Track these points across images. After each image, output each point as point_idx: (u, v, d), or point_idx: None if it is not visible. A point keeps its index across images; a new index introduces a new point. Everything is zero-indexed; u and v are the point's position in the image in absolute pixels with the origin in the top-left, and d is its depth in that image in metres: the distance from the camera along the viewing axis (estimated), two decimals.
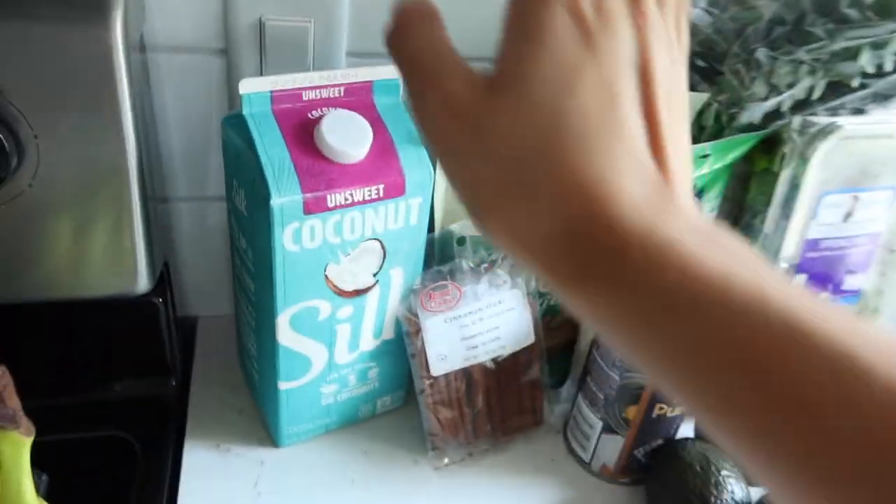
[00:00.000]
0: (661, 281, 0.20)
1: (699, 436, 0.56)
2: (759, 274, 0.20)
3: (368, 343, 0.52)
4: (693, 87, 0.56)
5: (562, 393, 0.63)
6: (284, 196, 0.42)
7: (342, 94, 0.47)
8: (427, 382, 0.54)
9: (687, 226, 0.21)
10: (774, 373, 0.19)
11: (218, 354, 0.62)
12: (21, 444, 0.34)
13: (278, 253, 0.44)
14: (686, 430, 0.56)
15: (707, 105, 0.55)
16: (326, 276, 0.46)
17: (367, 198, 0.45)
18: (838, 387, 0.18)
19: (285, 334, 0.48)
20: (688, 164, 0.23)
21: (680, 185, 0.22)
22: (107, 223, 0.46)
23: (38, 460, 0.45)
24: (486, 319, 0.54)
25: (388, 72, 0.47)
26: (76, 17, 0.41)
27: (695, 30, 0.55)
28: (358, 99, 0.47)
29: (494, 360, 0.55)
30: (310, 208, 0.43)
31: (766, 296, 0.19)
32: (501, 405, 0.57)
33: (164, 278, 0.53)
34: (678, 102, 0.23)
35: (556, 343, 0.61)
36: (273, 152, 0.43)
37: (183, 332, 0.62)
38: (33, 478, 0.44)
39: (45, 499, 0.44)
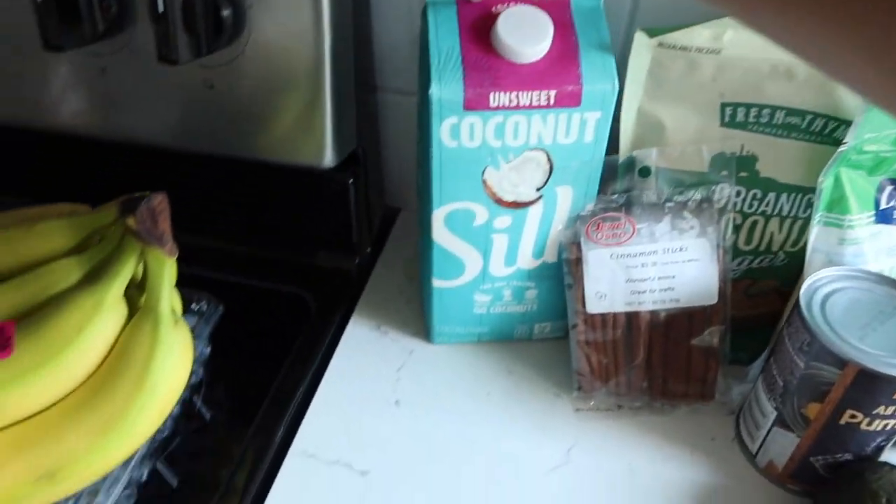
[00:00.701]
0: None
1: None
2: None
3: (527, 261, 0.50)
4: None
5: (749, 372, 0.55)
6: (445, 88, 0.41)
7: None
8: (581, 318, 0.51)
9: None
10: None
11: (408, 247, 0.64)
12: (163, 261, 0.40)
13: (436, 147, 0.43)
14: (887, 455, 0.45)
15: None
16: (484, 180, 0.45)
17: (534, 103, 0.42)
18: None
19: (440, 232, 0.48)
20: None
21: None
22: (302, 96, 0.49)
23: (220, 294, 0.52)
24: (660, 265, 0.49)
25: None
26: None
27: None
28: None
29: (664, 311, 0.50)
30: (470, 104, 0.41)
31: None
32: (664, 365, 0.51)
33: (358, 161, 0.56)
34: None
35: (755, 314, 0.53)
36: (444, 43, 0.42)
37: (383, 219, 0.66)
38: (209, 307, 0.51)
39: (216, 329, 0.51)
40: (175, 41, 0.44)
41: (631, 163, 0.48)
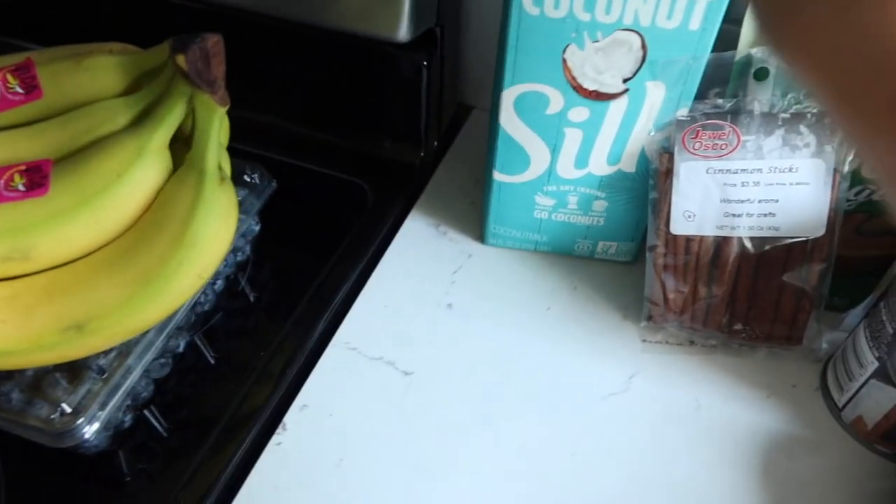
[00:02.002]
0: None
1: None
2: None
3: (600, 166, 0.45)
4: None
5: (846, 320, 0.49)
6: None
7: None
8: (662, 239, 0.45)
9: None
10: None
11: (478, 148, 0.59)
12: (213, 109, 0.36)
13: (514, 13, 0.38)
14: None
15: None
16: (565, 59, 0.39)
17: None
18: None
19: (508, 117, 0.43)
20: None
21: None
22: None
23: (275, 174, 0.49)
24: (764, 186, 0.42)
25: None
26: None
27: None
28: None
29: (758, 240, 0.44)
30: None
31: None
32: (750, 301, 0.46)
33: (435, 41, 0.51)
34: None
35: (863, 255, 0.46)
36: None
37: (455, 115, 0.62)
38: (262, 180, 0.48)
39: (267, 207, 0.48)
40: None
41: (747, 62, 0.41)
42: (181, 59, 0.35)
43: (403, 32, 0.47)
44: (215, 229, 0.37)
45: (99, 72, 0.38)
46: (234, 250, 0.49)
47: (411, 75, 0.51)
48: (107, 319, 0.37)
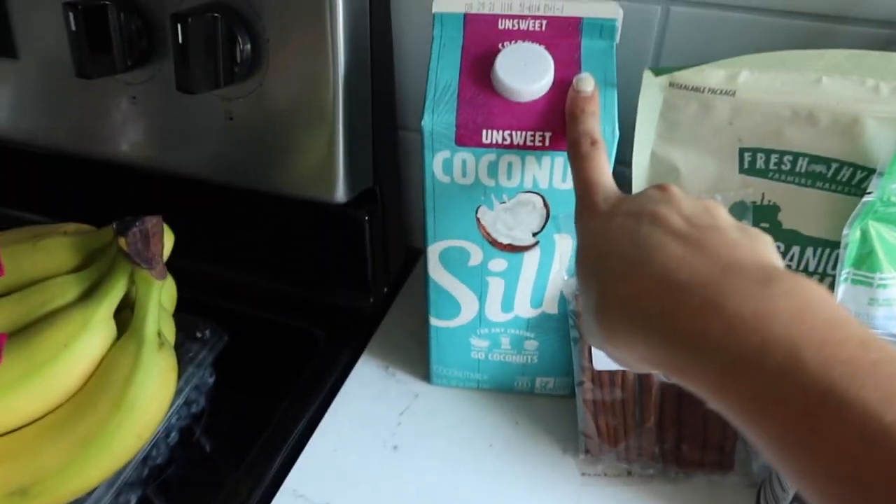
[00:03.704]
0: (709, 342, 0.23)
1: None
2: (803, 330, 0.21)
3: (525, 309, 0.48)
4: None
5: None
6: (437, 120, 0.40)
7: (545, 27, 0.42)
8: (587, 375, 0.48)
9: (732, 281, 0.24)
10: (811, 431, 0.20)
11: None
12: (151, 283, 0.40)
13: (429, 181, 0.42)
14: None
15: None
16: (478, 218, 0.43)
17: (528, 143, 0.40)
18: (869, 449, 0.19)
19: (435, 269, 0.46)
20: (744, 241, 0.27)
21: (726, 248, 0.26)
22: (316, 130, 0.50)
23: (231, 324, 0.52)
24: None
25: (602, 9, 0.42)
26: None
27: None
28: (562, 36, 0.42)
29: None
30: (462, 140, 0.40)
31: (800, 358, 0.21)
32: (678, 429, 0.48)
33: (375, 198, 0.56)
34: (703, 217, 0.28)
35: None
36: (443, 75, 0.41)
37: (406, 259, 0.66)
38: (213, 336, 0.51)
39: (219, 357, 0.51)
40: (193, 70, 0.46)
41: None
42: (122, 241, 0.39)
43: (341, 195, 0.52)
44: (153, 392, 0.40)
45: (53, 251, 0.42)
46: (188, 402, 0.51)
47: (355, 230, 0.56)
48: (50, 483, 0.39)
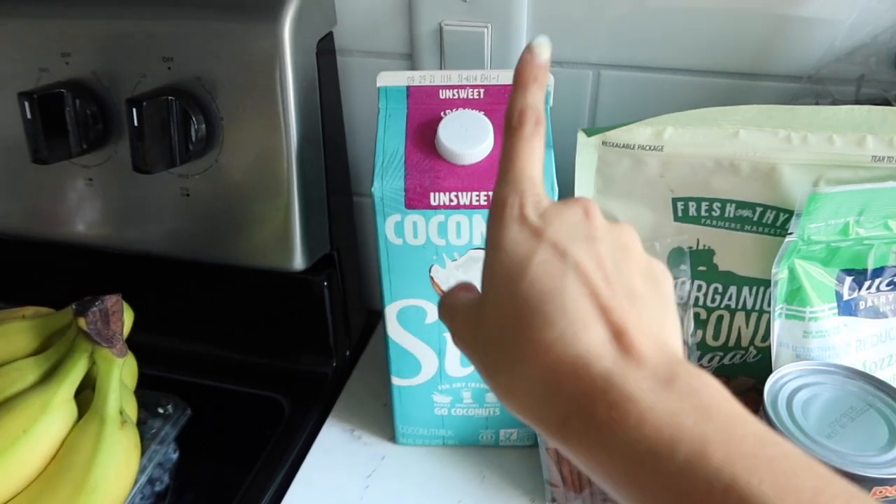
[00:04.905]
0: (622, 433, 0.23)
1: None
2: (710, 428, 0.22)
3: None
4: None
5: None
6: (386, 186, 0.42)
7: (482, 95, 0.45)
8: None
9: (644, 376, 0.24)
10: None
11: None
12: (112, 362, 0.40)
13: (382, 244, 0.44)
14: None
15: None
16: (432, 276, 0.45)
17: (474, 202, 0.43)
18: None
19: (394, 328, 0.48)
20: (651, 310, 0.26)
21: (639, 335, 0.25)
22: (271, 203, 0.51)
23: (195, 397, 0.52)
24: None
25: None
26: (254, 18, 0.47)
27: None
28: (499, 102, 0.45)
29: None
30: (412, 203, 0.43)
31: (707, 453, 0.22)
32: None
33: (333, 264, 0.57)
34: (621, 265, 0.27)
35: None
36: (390, 143, 0.44)
37: (366, 321, 0.67)
38: (176, 410, 0.51)
39: (183, 431, 0.51)
40: (149, 152, 0.47)
41: None
42: (82, 322, 0.40)
43: (298, 263, 0.53)
44: (116, 472, 0.40)
45: (11, 336, 0.42)
46: (151, 481, 0.51)
47: (314, 296, 0.57)
48: None
